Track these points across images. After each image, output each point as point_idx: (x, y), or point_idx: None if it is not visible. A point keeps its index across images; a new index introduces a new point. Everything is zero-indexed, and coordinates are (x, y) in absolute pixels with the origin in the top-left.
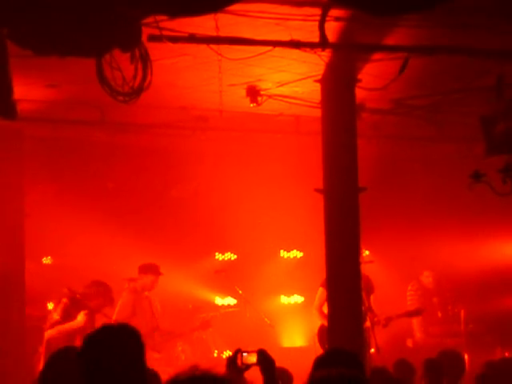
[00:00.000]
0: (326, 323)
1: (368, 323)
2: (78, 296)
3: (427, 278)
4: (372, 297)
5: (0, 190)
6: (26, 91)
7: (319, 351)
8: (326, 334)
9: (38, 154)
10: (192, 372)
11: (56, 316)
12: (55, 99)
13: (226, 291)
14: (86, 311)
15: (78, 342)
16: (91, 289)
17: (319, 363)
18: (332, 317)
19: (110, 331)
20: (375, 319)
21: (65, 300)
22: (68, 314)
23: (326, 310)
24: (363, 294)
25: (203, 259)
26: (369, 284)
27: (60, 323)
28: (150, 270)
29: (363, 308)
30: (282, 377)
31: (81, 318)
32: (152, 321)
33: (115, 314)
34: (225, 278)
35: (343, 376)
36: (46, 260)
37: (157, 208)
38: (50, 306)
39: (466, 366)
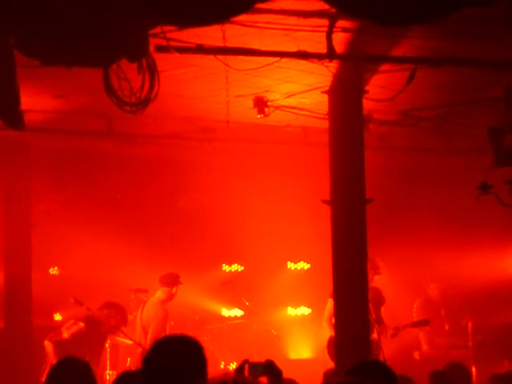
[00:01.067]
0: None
1: (375, 335)
2: (92, 316)
3: (433, 290)
4: (382, 308)
5: (7, 200)
6: (33, 102)
7: (328, 363)
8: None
9: (45, 165)
10: (224, 379)
11: (65, 335)
12: (63, 110)
13: (233, 302)
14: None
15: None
16: (104, 311)
17: (349, 373)
18: (339, 328)
19: (176, 342)
20: (385, 330)
21: (82, 325)
22: (80, 339)
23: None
24: (370, 306)
25: (210, 270)
26: (378, 296)
27: (66, 343)
28: (173, 280)
29: (370, 320)
30: None
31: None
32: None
33: (152, 328)
34: (232, 290)
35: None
36: (53, 271)
37: (164, 219)
38: (57, 316)
39: (474, 378)
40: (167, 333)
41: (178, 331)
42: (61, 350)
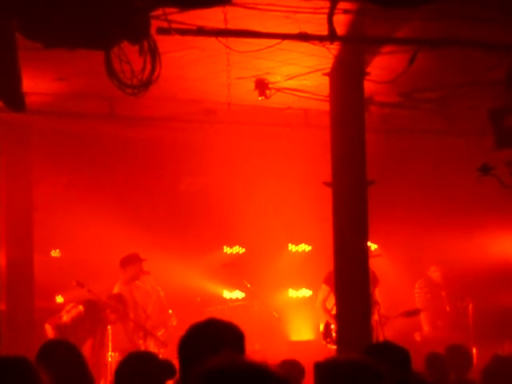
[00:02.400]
0: (329, 319)
1: (376, 317)
2: (93, 299)
3: (434, 272)
4: (377, 289)
5: (9, 183)
6: (34, 84)
7: (325, 347)
8: (331, 329)
9: (46, 148)
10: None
11: (65, 319)
12: (64, 92)
13: (234, 285)
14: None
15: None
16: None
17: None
18: (340, 311)
19: (216, 326)
20: (381, 311)
21: (81, 308)
22: (79, 323)
23: (328, 305)
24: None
25: (211, 253)
26: (373, 277)
27: (66, 327)
28: (131, 260)
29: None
30: (293, 369)
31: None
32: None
33: None
34: (233, 272)
35: (355, 363)
36: (55, 253)
37: (165, 201)
38: (59, 298)
39: (474, 359)
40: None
41: (179, 313)
42: (61, 334)
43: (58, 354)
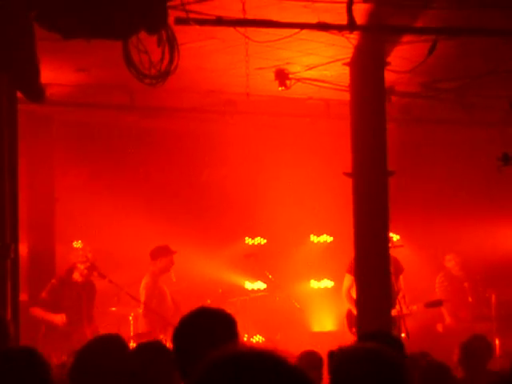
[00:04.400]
0: (354, 308)
1: (398, 307)
2: (64, 276)
3: (450, 261)
4: (401, 277)
5: (30, 174)
6: (55, 75)
7: (348, 335)
8: (354, 319)
9: (67, 139)
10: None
11: (44, 296)
12: (85, 83)
13: (256, 276)
14: (63, 316)
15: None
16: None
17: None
18: (361, 301)
19: (207, 314)
20: (403, 299)
21: (52, 280)
22: (56, 294)
23: (353, 294)
24: (392, 278)
25: (233, 244)
26: (397, 265)
27: (45, 302)
28: (161, 252)
29: (392, 292)
30: (311, 360)
31: (59, 318)
32: (171, 307)
33: (143, 297)
34: (255, 263)
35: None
36: (77, 244)
37: (186, 192)
38: None
39: (497, 350)
40: (159, 303)
41: (200, 305)
42: (46, 308)
43: None
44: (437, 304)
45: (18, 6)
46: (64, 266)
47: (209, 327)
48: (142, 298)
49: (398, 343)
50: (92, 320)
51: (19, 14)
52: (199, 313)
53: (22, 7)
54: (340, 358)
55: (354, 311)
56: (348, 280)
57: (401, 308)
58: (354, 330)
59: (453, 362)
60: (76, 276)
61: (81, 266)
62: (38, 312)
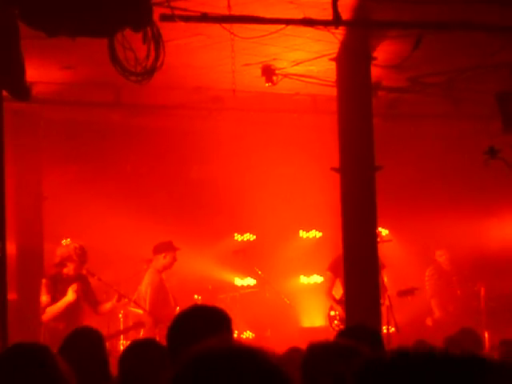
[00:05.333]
0: (336, 307)
1: (387, 302)
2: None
3: (441, 256)
4: (384, 275)
5: (18, 172)
6: (41, 73)
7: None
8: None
9: (54, 137)
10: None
11: (44, 298)
12: (71, 81)
13: (246, 272)
14: (74, 286)
15: (77, 316)
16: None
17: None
18: (349, 296)
19: (202, 312)
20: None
21: (44, 280)
22: (55, 292)
23: (335, 291)
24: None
25: (222, 240)
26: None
27: (50, 303)
28: (165, 248)
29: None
30: (297, 357)
31: (70, 293)
32: (172, 302)
33: (148, 295)
34: (244, 259)
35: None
36: (65, 242)
37: (175, 189)
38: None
39: (486, 343)
40: (163, 299)
41: (190, 301)
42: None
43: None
44: (409, 292)
45: (0, 4)
46: (52, 264)
47: (204, 325)
48: (147, 296)
49: (377, 337)
50: (98, 307)
51: (2, 11)
52: (194, 310)
53: (5, 4)
54: (308, 354)
55: (337, 309)
56: (330, 279)
57: (389, 302)
58: (334, 324)
59: None
60: (67, 270)
61: (71, 266)
62: (50, 312)
